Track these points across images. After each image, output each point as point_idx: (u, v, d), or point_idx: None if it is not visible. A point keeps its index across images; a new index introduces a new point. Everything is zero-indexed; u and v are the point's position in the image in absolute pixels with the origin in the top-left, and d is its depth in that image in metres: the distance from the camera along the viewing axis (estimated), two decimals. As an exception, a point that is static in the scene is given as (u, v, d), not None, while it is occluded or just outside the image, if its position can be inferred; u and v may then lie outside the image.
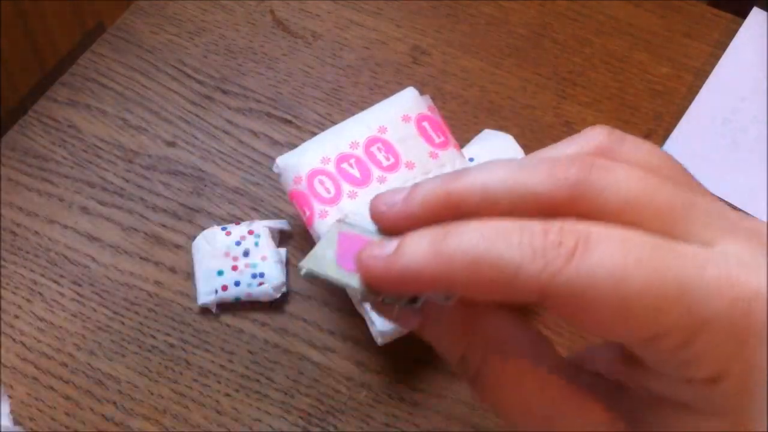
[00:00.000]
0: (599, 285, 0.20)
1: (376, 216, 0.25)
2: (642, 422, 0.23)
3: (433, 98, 0.46)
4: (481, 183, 0.23)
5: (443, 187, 0.24)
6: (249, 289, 0.44)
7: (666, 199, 0.23)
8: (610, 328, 0.21)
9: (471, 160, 0.45)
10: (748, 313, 0.21)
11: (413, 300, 0.25)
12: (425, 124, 0.44)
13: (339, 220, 0.26)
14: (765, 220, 0.50)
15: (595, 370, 0.25)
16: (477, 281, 0.22)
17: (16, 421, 0.41)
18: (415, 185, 0.24)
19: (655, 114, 0.54)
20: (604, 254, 0.21)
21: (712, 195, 0.24)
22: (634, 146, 0.24)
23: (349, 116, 0.45)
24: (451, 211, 0.23)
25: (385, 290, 0.24)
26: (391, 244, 0.23)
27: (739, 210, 0.50)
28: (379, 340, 0.41)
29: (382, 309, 0.26)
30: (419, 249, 0.22)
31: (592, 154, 0.24)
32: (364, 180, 0.42)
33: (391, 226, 0.24)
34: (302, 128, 0.53)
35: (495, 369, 0.24)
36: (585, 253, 0.21)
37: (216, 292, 0.44)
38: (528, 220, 0.22)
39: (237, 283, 0.44)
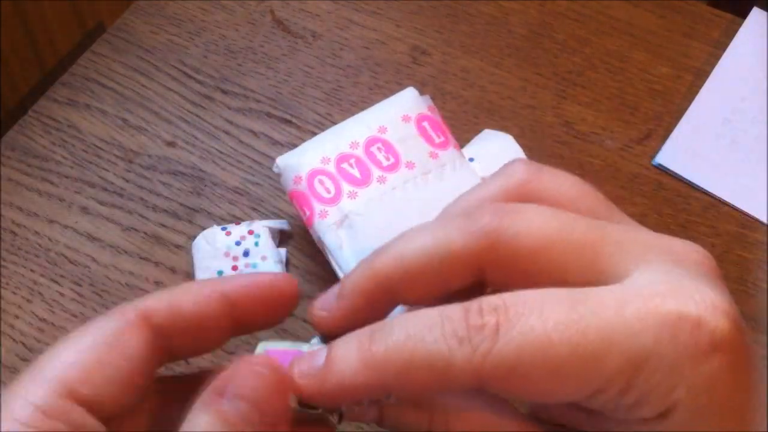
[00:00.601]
0: (528, 358, 0.21)
1: (316, 323, 0.25)
2: None
3: (433, 98, 0.46)
4: (399, 256, 0.24)
5: (367, 269, 0.24)
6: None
7: (579, 236, 0.23)
8: (550, 395, 0.22)
9: (471, 160, 0.45)
10: (676, 337, 0.21)
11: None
12: (425, 124, 0.44)
13: (263, 342, 0.26)
14: (765, 220, 0.50)
15: (556, 422, 0.25)
16: (411, 382, 0.22)
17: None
18: (343, 278, 0.25)
19: (655, 114, 0.54)
20: (525, 326, 0.21)
21: (628, 219, 0.25)
22: (553, 177, 0.25)
23: (349, 116, 0.45)
24: (382, 292, 0.24)
25: (322, 405, 0.23)
26: (320, 356, 0.23)
27: (740, 210, 0.50)
28: None
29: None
30: (349, 359, 0.22)
31: (511, 191, 0.25)
32: (364, 180, 0.42)
33: (334, 329, 0.24)
34: (302, 128, 0.53)
35: None
36: (508, 330, 0.21)
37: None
38: (447, 306, 0.22)
39: (237, 283, 0.44)
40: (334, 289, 0.25)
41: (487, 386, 0.22)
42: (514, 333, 0.21)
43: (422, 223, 0.25)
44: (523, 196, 0.25)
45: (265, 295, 0.25)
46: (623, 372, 0.21)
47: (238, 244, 0.45)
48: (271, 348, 0.25)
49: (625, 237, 0.24)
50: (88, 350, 0.22)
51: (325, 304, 0.25)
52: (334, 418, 0.24)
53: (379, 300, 0.24)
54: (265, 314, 0.25)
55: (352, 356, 0.22)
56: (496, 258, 0.23)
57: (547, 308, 0.21)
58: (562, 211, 0.24)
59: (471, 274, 0.23)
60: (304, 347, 0.25)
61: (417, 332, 0.22)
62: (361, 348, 0.22)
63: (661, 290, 0.22)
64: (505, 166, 0.26)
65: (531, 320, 0.21)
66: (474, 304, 0.22)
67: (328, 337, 0.25)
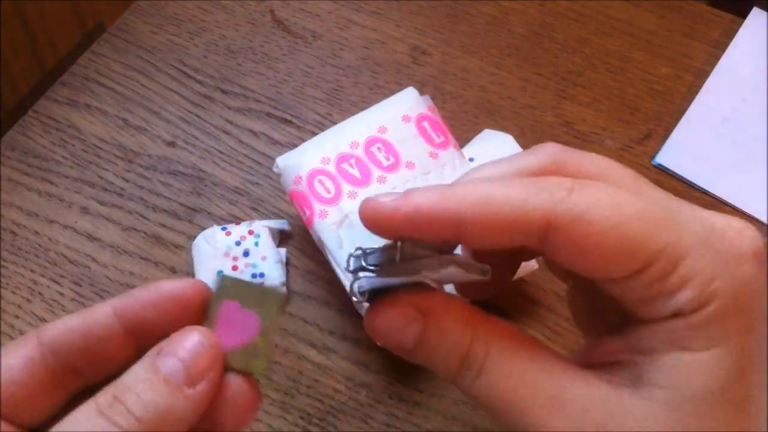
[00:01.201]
0: (598, 210, 0.23)
1: (366, 209, 0.25)
2: (648, 385, 0.23)
3: (433, 98, 0.46)
4: (485, 198, 0.24)
5: (448, 195, 0.24)
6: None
7: (631, 171, 0.26)
8: (608, 256, 0.23)
9: (471, 160, 0.45)
10: (723, 236, 0.23)
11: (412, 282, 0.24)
12: (425, 124, 0.44)
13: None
14: (765, 220, 0.50)
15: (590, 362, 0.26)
16: (485, 217, 0.23)
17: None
18: (414, 190, 0.25)
19: (655, 114, 0.54)
20: (599, 189, 0.23)
21: (661, 191, 0.27)
22: (583, 155, 0.27)
23: (349, 116, 0.45)
24: (450, 221, 0.24)
25: (389, 232, 0.24)
26: (398, 194, 0.24)
27: (740, 210, 0.50)
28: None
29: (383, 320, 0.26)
30: (428, 193, 0.24)
31: (546, 168, 0.27)
32: (364, 180, 0.42)
33: (381, 225, 0.25)
34: (302, 128, 0.53)
35: (500, 359, 0.24)
36: (582, 188, 0.23)
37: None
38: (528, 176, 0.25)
39: (237, 283, 0.44)
40: (392, 195, 0.25)
41: (553, 235, 0.23)
42: (588, 191, 0.23)
43: (495, 172, 0.26)
44: (556, 173, 0.26)
45: (163, 304, 0.25)
46: (676, 247, 0.23)
47: (238, 244, 0.45)
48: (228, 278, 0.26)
49: (674, 204, 0.25)
50: None
51: (387, 199, 0.25)
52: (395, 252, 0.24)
53: (441, 227, 0.24)
54: (168, 322, 0.25)
55: (431, 191, 0.24)
56: (563, 225, 0.24)
57: (619, 182, 0.24)
58: (621, 190, 0.25)
59: (536, 237, 0.24)
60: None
61: (499, 180, 0.24)
62: (442, 188, 0.24)
63: (711, 214, 0.24)
64: (535, 147, 0.27)
65: (604, 187, 0.24)
66: (553, 176, 0.24)
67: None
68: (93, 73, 0.55)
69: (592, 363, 0.25)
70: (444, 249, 0.25)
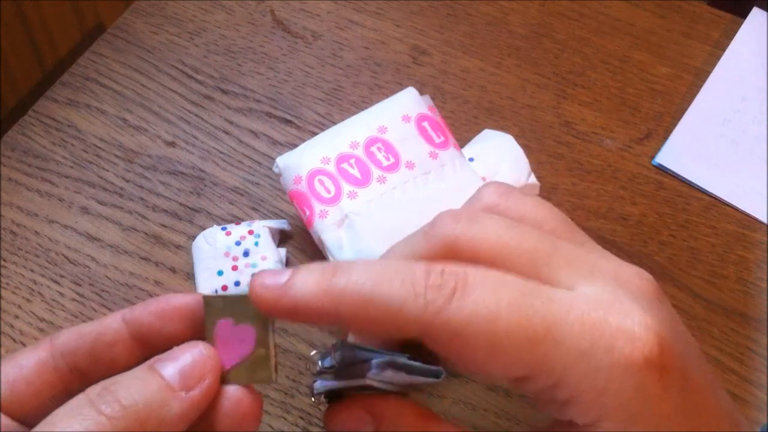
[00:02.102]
0: (474, 325, 0.22)
1: (253, 293, 0.25)
2: None
3: (433, 98, 0.46)
4: (365, 293, 0.24)
5: (328, 295, 0.24)
6: (249, 289, 0.44)
7: (531, 246, 0.25)
8: (485, 365, 0.23)
9: (471, 160, 0.45)
10: (611, 347, 0.22)
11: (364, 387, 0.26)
12: (425, 124, 0.44)
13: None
14: (765, 220, 0.50)
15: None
16: (363, 317, 0.23)
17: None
18: (301, 279, 0.25)
19: (655, 114, 0.54)
20: (479, 297, 0.23)
21: (590, 242, 0.27)
22: (519, 200, 0.27)
23: (349, 116, 0.45)
24: (333, 317, 0.24)
25: (277, 317, 0.25)
26: (284, 274, 0.24)
27: (740, 210, 0.50)
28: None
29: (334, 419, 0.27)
30: (310, 282, 0.24)
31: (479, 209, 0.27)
32: (364, 180, 0.42)
33: (268, 307, 0.25)
34: (302, 128, 0.53)
35: None
36: (462, 296, 0.23)
37: (216, 292, 0.44)
38: (413, 261, 0.24)
39: (237, 283, 0.44)
40: (284, 277, 0.25)
41: (430, 341, 0.23)
42: (468, 301, 0.23)
43: (390, 254, 0.27)
44: (451, 257, 0.26)
45: (170, 315, 0.26)
46: (557, 364, 0.22)
47: (238, 244, 0.45)
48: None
49: (575, 254, 0.25)
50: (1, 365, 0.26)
51: (271, 283, 0.25)
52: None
53: (322, 320, 0.25)
54: (174, 333, 0.26)
55: (313, 280, 0.24)
56: (454, 259, 0.24)
57: (503, 288, 0.23)
58: (516, 223, 0.25)
59: (413, 336, 0.24)
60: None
61: (379, 275, 0.23)
62: (323, 276, 0.24)
63: (604, 304, 0.23)
64: (479, 189, 0.28)
65: (485, 294, 0.23)
66: (438, 266, 0.23)
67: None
68: (93, 73, 0.55)
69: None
70: (392, 347, 0.26)
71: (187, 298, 0.26)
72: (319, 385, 0.27)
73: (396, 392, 0.26)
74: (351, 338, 0.26)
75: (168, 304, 0.26)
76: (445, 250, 0.25)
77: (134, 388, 0.23)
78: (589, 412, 0.23)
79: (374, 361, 0.25)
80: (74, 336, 0.26)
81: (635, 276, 0.25)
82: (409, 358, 0.25)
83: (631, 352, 0.22)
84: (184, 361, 0.24)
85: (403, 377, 0.25)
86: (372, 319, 0.23)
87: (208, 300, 0.26)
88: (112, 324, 0.26)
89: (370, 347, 0.26)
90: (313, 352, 0.27)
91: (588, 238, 0.27)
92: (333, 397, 0.27)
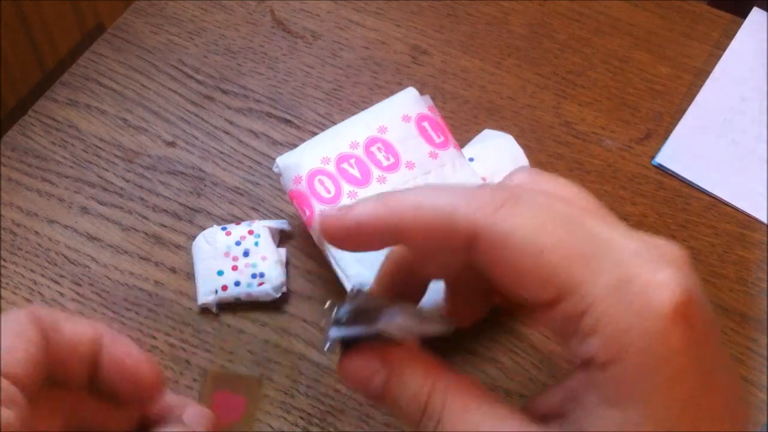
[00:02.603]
0: (522, 231, 0.24)
1: (319, 222, 0.27)
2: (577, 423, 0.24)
3: (433, 98, 0.46)
4: (417, 205, 0.26)
5: (383, 204, 0.26)
6: (249, 289, 0.44)
7: (574, 193, 0.27)
8: (525, 277, 0.24)
9: (471, 160, 0.45)
10: (645, 292, 0.23)
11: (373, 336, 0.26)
12: (425, 124, 0.44)
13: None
14: (765, 220, 0.50)
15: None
16: (418, 223, 0.25)
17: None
18: (353, 203, 0.27)
19: (655, 114, 0.54)
20: (529, 210, 0.24)
21: (617, 220, 0.27)
22: (551, 179, 0.28)
23: (349, 116, 0.45)
24: (389, 229, 0.26)
25: (339, 241, 0.27)
26: (344, 205, 0.27)
27: (740, 210, 0.50)
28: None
29: (350, 373, 0.27)
30: (369, 203, 0.26)
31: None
32: (364, 180, 0.42)
33: (332, 236, 0.27)
34: (302, 128, 0.53)
35: (456, 412, 0.26)
36: (513, 206, 0.24)
37: (216, 292, 0.44)
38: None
39: (237, 283, 0.44)
40: (341, 207, 0.27)
41: (478, 245, 0.24)
42: (517, 210, 0.24)
43: (430, 184, 0.29)
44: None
45: (127, 370, 0.28)
46: (591, 288, 0.23)
47: (238, 244, 0.45)
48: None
49: (606, 229, 0.26)
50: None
51: (334, 211, 0.27)
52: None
53: (382, 236, 0.26)
54: (125, 387, 0.28)
55: (371, 201, 0.26)
56: (486, 240, 0.25)
57: (552, 208, 0.25)
58: (551, 197, 0.26)
59: (464, 243, 0.25)
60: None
61: (433, 189, 0.26)
62: (380, 197, 0.26)
63: (642, 255, 0.24)
64: (510, 172, 0.29)
65: (535, 208, 0.24)
66: (488, 184, 0.27)
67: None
68: (93, 73, 0.55)
69: (545, 414, 0.26)
70: (405, 300, 0.27)
71: (143, 367, 0.28)
72: (334, 333, 0.27)
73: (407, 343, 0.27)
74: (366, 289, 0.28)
75: (136, 367, 0.28)
76: (483, 222, 0.26)
77: None
78: (611, 347, 0.23)
79: (387, 309, 0.26)
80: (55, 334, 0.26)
81: (669, 244, 0.26)
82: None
83: (663, 300, 0.23)
84: None
85: (414, 325, 0.26)
86: (427, 224, 0.25)
87: (214, 375, 0.30)
88: (83, 344, 0.27)
89: (384, 299, 0.27)
90: (328, 303, 0.28)
91: (615, 217, 0.28)
92: (346, 346, 0.28)
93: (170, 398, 0.30)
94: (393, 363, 0.27)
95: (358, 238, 0.26)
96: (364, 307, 0.26)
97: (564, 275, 0.23)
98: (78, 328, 0.27)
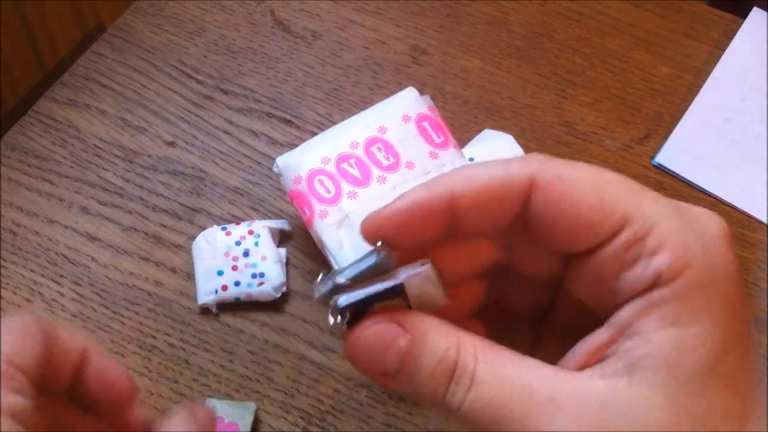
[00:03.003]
0: (579, 170, 0.24)
1: (367, 221, 0.26)
2: (644, 371, 0.23)
3: (433, 98, 0.46)
4: (470, 177, 0.26)
5: (434, 186, 0.26)
6: (249, 289, 0.44)
7: (609, 179, 0.26)
8: (587, 215, 0.24)
9: (471, 160, 0.45)
10: (698, 218, 0.25)
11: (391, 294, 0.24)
12: (425, 124, 0.44)
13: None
14: (765, 220, 0.50)
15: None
16: (473, 189, 0.25)
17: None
18: (403, 193, 0.26)
19: (655, 114, 0.54)
20: (575, 162, 0.25)
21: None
22: (568, 163, 0.28)
23: (349, 116, 0.45)
24: (444, 209, 0.25)
25: (393, 234, 0.25)
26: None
27: (740, 210, 0.50)
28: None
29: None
30: (417, 188, 0.26)
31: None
32: (364, 180, 0.42)
33: (383, 231, 0.25)
34: (302, 128, 0.53)
35: (491, 367, 0.24)
36: (560, 160, 0.25)
37: (216, 292, 0.44)
38: None
39: (237, 283, 0.44)
40: (389, 202, 0.26)
41: (535, 198, 0.25)
42: (563, 162, 0.25)
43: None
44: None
45: (108, 379, 0.27)
46: (652, 211, 0.24)
47: (238, 244, 0.45)
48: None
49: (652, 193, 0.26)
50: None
51: (376, 210, 0.26)
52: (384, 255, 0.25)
53: (438, 216, 0.25)
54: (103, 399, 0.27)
55: (420, 185, 0.26)
56: (545, 184, 0.25)
57: (599, 167, 0.25)
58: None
59: (521, 200, 0.25)
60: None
61: (479, 164, 0.26)
62: (428, 181, 0.26)
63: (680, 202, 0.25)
64: (524, 156, 0.29)
65: (578, 163, 0.25)
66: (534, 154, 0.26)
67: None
68: (93, 73, 0.55)
69: (582, 365, 0.25)
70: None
71: (120, 380, 0.28)
72: (345, 300, 0.24)
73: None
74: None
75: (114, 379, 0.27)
76: (536, 175, 0.26)
77: None
78: (678, 260, 0.23)
79: (411, 264, 0.24)
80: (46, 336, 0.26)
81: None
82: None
83: (714, 225, 0.24)
84: None
85: (432, 284, 0.24)
86: (483, 188, 0.25)
87: (211, 404, 0.31)
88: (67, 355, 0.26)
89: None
90: (320, 276, 0.25)
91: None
92: (353, 318, 0.25)
93: (147, 415, 0.28)
94: (414, 325, 0.24)
95: (412, 224, 0.25)
96: (367, 270, 0.24)
97: (626, 201, 0.24)
98: (70, 336, 0.27)
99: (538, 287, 0.29)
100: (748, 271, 0.48)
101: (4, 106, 0.56)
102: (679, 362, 0.22)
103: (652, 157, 0.52)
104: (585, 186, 0.24)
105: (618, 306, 0.24)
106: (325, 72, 0.55)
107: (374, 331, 0.24)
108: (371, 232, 0.25)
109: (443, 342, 0.24)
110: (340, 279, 0.25)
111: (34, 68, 0.58)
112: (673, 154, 0.52)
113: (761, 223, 0.49)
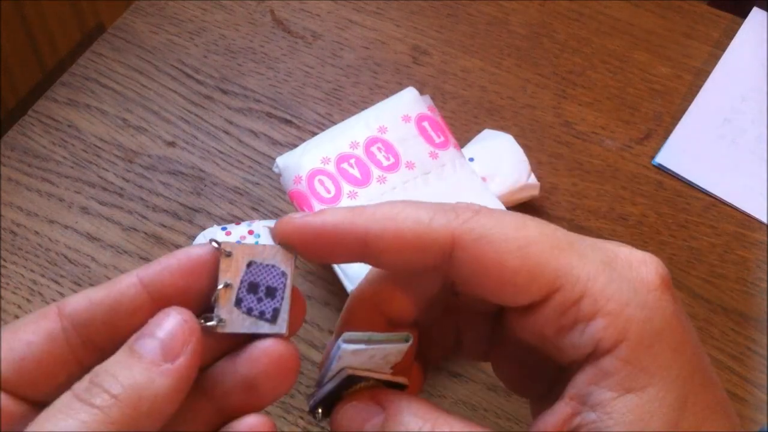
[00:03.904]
0: (501, 228, 0.23)
1: (279, 226, 0.25)
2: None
3: (433, 98, 0.46)
4: (391, 216, 0.25)
5: (353, 216, 0.25)
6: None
7: (534, 234, 0.25)
8: (512, 278, 0.23)
9: (471, 160, 0.45)
10: (628, 264, 0.23)
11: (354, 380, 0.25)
12: (425, 124, 0.44)
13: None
14: (765, 220, 0.50)
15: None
16: (391, 233, 0.24)
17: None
18: (324, 210, 0.25)
19: (655, 114, 0.54)
20: (505, 213, 0.24)
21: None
22: (494, 216, 0.28)
23: (349, 116, 0.45)
24: (357, 240, 0.25)
25: (302, 249, 0.24)
26: (308, 213, 0.25)
27: (740, 210, 0.50)
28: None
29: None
30: (338, 210, 0.25)
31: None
32: (364, 180, 0.42)
33: (291, 237, 0.25)
34: (302, 128, 0.53)
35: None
36: (489, 212, 0.24)
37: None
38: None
39: (237, 283, 0.44)
40: (307, 213, 0.25)
41: (457, 254, 0.24)
42: (493, 214, 0.24)
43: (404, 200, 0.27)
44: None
45: (191, 270, 0.25)
46: (582, 272, 0.23)
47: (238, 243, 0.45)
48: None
49: (577, 236, 0.26)
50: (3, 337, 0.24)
51: (298, 215, 0.25)
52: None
53: (349, 246, 0.25)
54: (184, 288, 0.25)
55: (342, 209, 0.25)
56: (467, 244, 0.24)
57: (523, 216, 0.25)
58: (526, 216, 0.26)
59: (441, 256, 0.25)
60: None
61: (406, 204, 0.25)
62: (351, 207, 0.25)
63: (615, 243, 0.25)
64: (452, 208, 0.28)
65: (508, 215, 0.24)
66: (461, 203, 0.25)
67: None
68: (93, 73, 0.55)
69: None
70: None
71: (200, 249, 0.25)
72: (312, 403, 0.26)
73: (388, 383, 0.26)
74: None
75: (189, 260, 0.25)
76: (460, 231, 0.25)
77: (119, 374, 0.22)
78: (615, 325, 0.22)
79: (338, 345, 0.24)
80: (86, 304, 0.24)
81: (635, 251, 0.26)
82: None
83: (648, 272, 0.23)
84: (162, 333, 0.23)
85: (381, 349, 0.24)
86: (402, 235, 0.24)
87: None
88: (129, 290, 0.24)
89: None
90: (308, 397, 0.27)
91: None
92: (329, 406, 0.26)
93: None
94: (390, 403, 0.25)
95: (321, 243, 0.24)
96: (328, 369, 0.26)
97: (553, 263, 0.23)
98: None
99: (483, 320, 0.29)
100: (748, 271, 0.48)
101: (4, 106, 0.56)
102: (643, 429, 0.22)
103: (652, 157, 0.52)
104: (509, 247, 0.23)
105: (567, 365, 0.24)
106: (325, 72, 0.55)
107: (351, 412, 0.26)
108: (281, 236, 0.25)
109: (417, 422, 0.25)
110: (311, 403, 0.26)
111: (34, 68, 0.58)
112: (673, 154, 0.52)
113: (761, 223, 0.49)
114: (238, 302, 0.25)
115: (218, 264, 0.25)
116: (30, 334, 0.24)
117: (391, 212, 0.24)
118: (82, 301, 0.24)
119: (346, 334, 0.24)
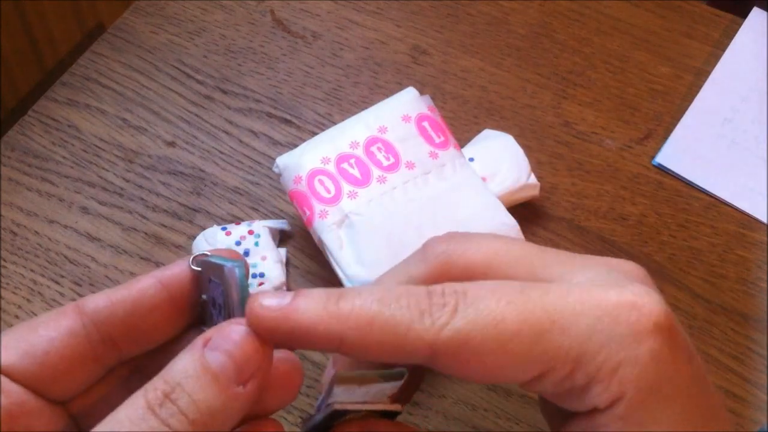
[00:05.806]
0: (480, 330, 0.23)
1: (254, 314, 0.24)
2: None
3: (433, 98, 0.46)
4: (368, 317, 0.24)
5: (331, 319, 0.24)
6: (249, 289, 0.44)
7: (520, 249, 0.26)
8: (500, 370, 0.23)
9: (471, 160, 0.45)
10: (617, 317, 0.23)
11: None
12: (425, 124, 0.44)
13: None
14: (765, 220, 0.50)
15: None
16: (369, 340, 0.23)
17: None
18: (303, 303, 0.24)
19: (655, 114, 0.54)
20: (481, 304, 0.23)
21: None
22: (469, 240, 0.28)
23: (349, 116, 0.45)
24: (334, 340, 0.24)
25: (278, 342, 0.24)
26: (287, 296, 0.24)
27: (740, 210, 0.50)
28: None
29: None
30: (314, 305, 0.23)
31: (435, 270, 0.27)
32: (364, 180, 0.42)
33: (267, 328, 0.24)
34: (302, 128, 0.53)
35: None
36: (465, 307, 0.23)
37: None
38: (412, 285, 0.24)
39: (237, 283, 0.44)
40: (285, 299, 0.24)
41: (438, 359, 0.23)
42: (470, 310, 0.23)
43: (380, 285, 0.27)
44: (446, 274, 0.26)
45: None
46: (569, 349, 0.23)
47: (238, 244, 0.45)
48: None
49: (564, 254, 0.26)
50: (18, 333, 0.24)
51: (272, 304, 0.24)
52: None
53: (324, 345, 0.24)
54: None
55: (318, 304, 0.24)
56: (451, 277, 0.25)
57: (500, 291, 0.23)
58: (502, 235, 0.27)
59: (420, 360, 0.24)
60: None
61: (383, 299, 0.23)
62: (328, 300, 0.24)
63: (600, 284, 0.24)
64: (422, 248, 0.28)
65: (486, 300, 0.23)
66: (437, 287, 0.24)
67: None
68: (93, 73, 0.55)
69: None
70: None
71: (223, 252, 0.25)
72: (304, 429, 0.27)
73: (381, 413, 0.26)
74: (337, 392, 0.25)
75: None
76: (440, 268, 0.26)
77: (196, 395, 0.21)
78: (610, 388, 0.23)
79: (327, 386, 0.25)
80: (106, 303, 0.24)
81: (624, 263, 0.26)
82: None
83: (638, 319, 0.23)
84: (236, 352, 0.23)
85: (359, 390, 0.25)
86: (379, 343, 0.23)
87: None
88: (148, 290, 0.25)
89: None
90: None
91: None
92: None
93: None
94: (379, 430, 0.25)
95: (296, 341, 0.24)
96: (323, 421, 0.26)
97: (538, 351, 0.23)
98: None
99: None
100: (748, 271, 0.48)
101: (4, 106, 0.56)
102: None
103: (652, 157, 0.52)
104: (490, 347, 0.23)
105: (573, 418, 0.25)
106: (325, 72, 0.55)
107: None
108: (254, 324, 0.24)
109: None
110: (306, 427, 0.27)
111: (34, 68, 0.58)
112: (673, 154, 0.52)
113: (761, 223, 0.49)
114: (211, 317, 0.26)
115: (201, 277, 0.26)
116: (51, 331, 0.24)
117: (367, 315, 0.23)
118: (102, 300, 0.24)
119: (340, 373, 0.24)
